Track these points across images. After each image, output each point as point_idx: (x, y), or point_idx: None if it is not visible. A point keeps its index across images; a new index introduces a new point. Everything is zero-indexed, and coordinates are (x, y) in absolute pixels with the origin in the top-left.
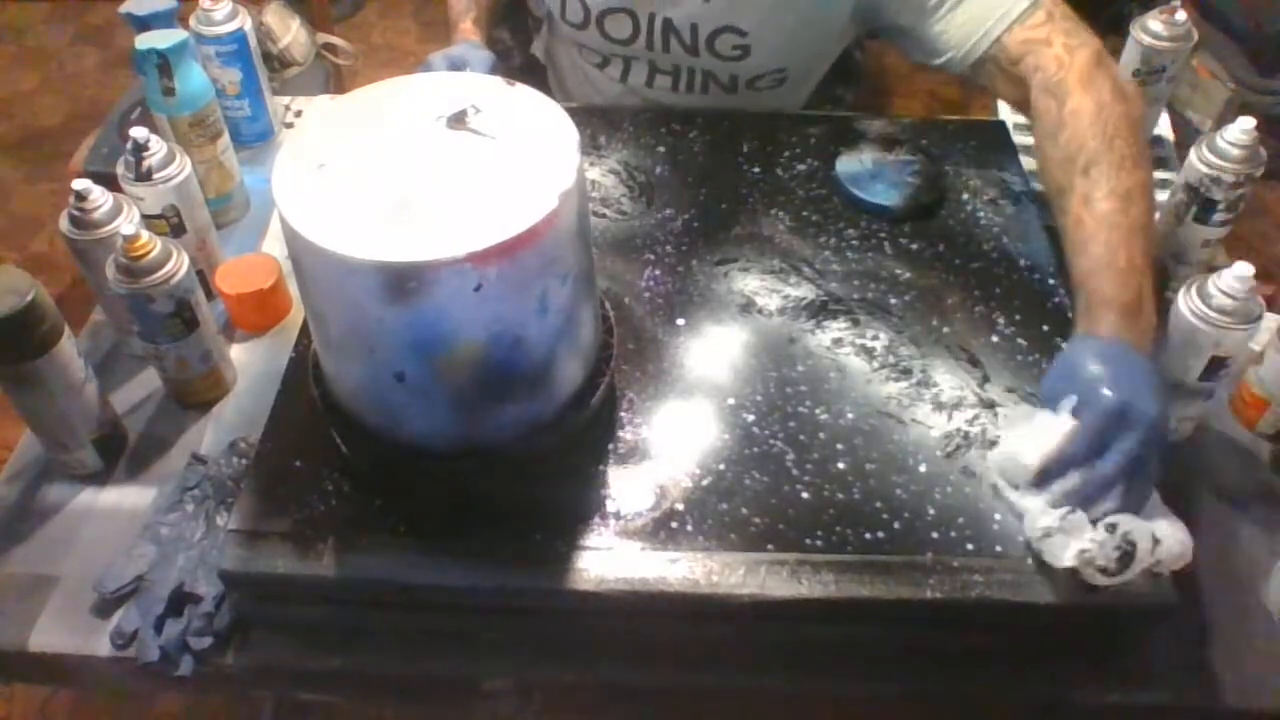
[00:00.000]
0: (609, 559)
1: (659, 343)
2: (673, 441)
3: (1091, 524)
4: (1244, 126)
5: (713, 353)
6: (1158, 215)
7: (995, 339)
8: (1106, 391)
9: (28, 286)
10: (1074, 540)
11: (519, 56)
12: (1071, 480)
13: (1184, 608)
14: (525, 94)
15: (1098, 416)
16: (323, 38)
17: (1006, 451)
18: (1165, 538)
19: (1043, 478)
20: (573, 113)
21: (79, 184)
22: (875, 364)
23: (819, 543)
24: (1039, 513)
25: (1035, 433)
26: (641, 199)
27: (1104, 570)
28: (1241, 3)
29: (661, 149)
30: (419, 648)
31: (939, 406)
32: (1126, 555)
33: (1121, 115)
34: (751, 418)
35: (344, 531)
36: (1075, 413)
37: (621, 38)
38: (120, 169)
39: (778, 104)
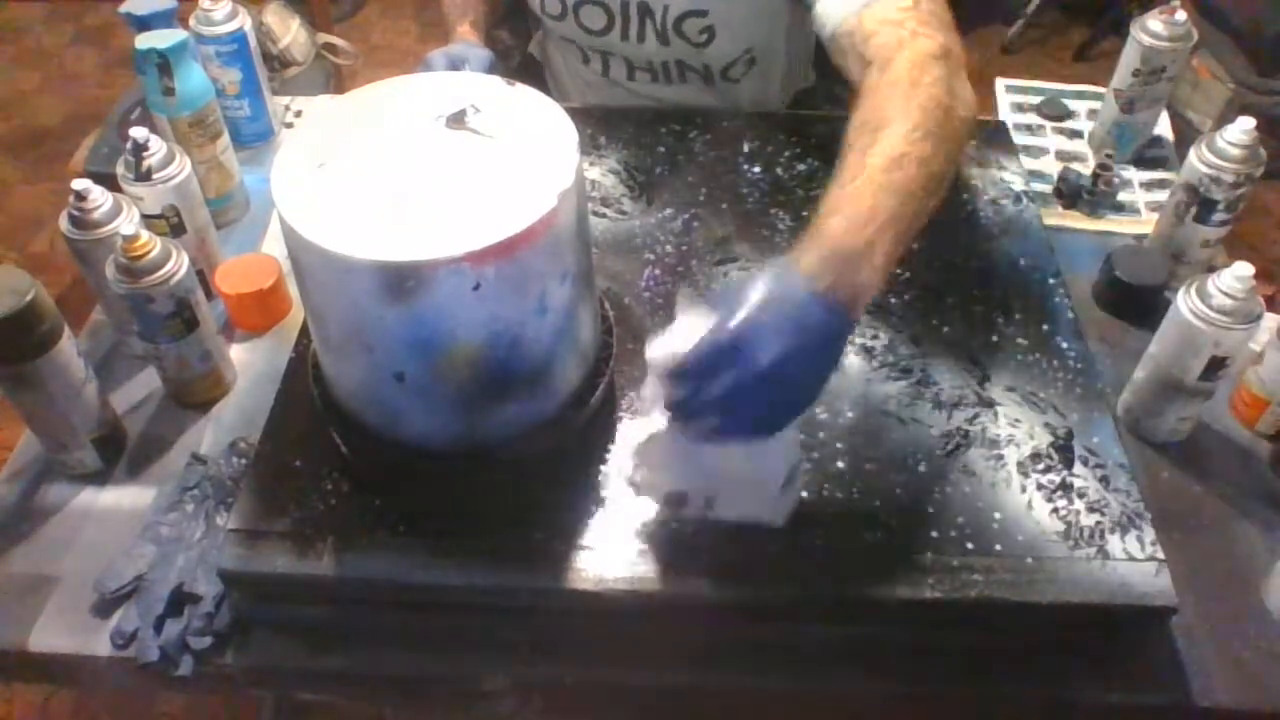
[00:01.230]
0: (609, 559)
1: None
2: None
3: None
4: (1244, 126)
5: None
6: (1157, 215)
7: (995, 338)
8: (734, 323)
9: (28, 286)
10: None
11: (519, 56)
12: (678, 391)
13: (1184, 608)
14: (525, 94)
15: (709, 342)
16: (323, 38)
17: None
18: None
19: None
20: (572, 113)
21: (79, 184)
22: (875, 363)
23: (819, 542)
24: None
25: (678, 330)
26: (641, 199)
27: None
28: (1241, 3)
29: (661, 149)
30: (419, 648)
31: (938, 406)
32: None
33: (937, 103)
34: None
35: (344, 531)
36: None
37: (596, 29)
38: (120, 169)
39: (758, 96)
